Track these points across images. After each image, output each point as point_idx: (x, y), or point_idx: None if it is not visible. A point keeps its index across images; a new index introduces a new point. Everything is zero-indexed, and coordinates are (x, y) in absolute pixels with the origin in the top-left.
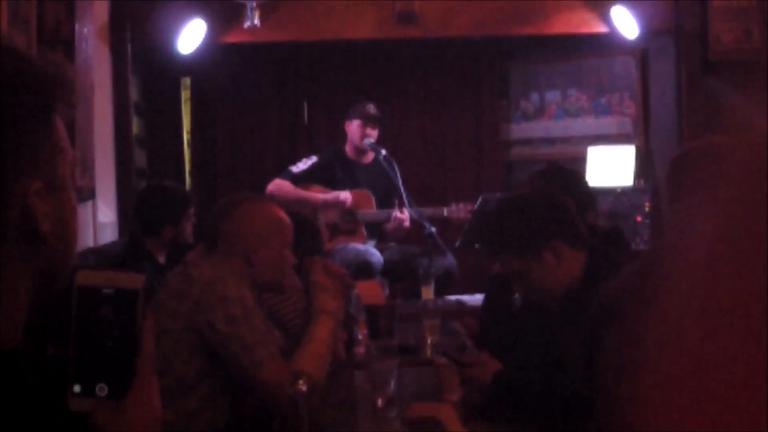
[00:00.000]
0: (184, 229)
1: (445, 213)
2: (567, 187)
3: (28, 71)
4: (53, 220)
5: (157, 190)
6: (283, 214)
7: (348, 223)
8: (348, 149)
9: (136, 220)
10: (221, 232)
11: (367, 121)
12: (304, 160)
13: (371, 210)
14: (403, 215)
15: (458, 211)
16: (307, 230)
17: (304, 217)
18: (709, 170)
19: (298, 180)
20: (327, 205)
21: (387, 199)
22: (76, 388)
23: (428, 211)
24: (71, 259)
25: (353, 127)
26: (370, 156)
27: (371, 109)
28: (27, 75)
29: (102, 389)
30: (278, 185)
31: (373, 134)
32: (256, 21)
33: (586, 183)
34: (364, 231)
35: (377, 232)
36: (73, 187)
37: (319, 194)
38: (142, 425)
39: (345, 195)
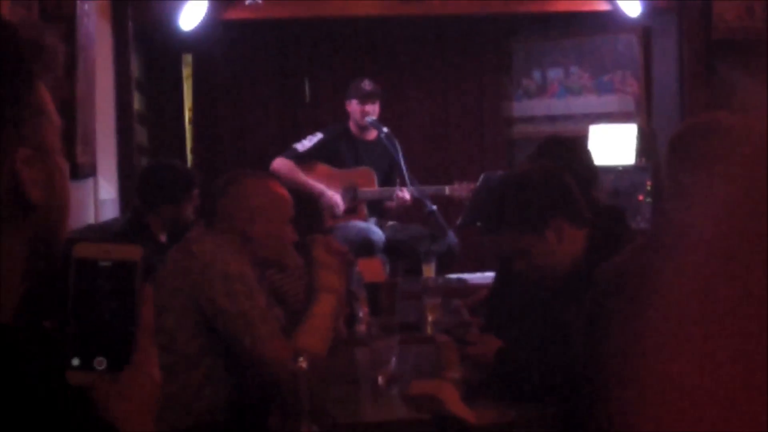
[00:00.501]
0: (184, 209)
1: (447, 192)
2: (569, 162)
3: (4, 36)
4: (43, 188)
5: (161, 168)
6: (282, 190)
7: (349, 201)
8: (351, 126)
9: (138, 195)
10: (220, 208)
11: (365, 98)
12: (309, 137)
13: (373, 188)
14: (405, 194)
15: (460, 189)
16: (307, 207)
17: (298, 194)
18: (713, 146)
19: (303, 158)
20: (323, 200)
21: (389, 176)
22: (75, 362)
23: (430, 189)
24: (64, 226)
25: (352, 106)
26: (373, 133)
27: (367, 85)
28: (3, 40)
29: (101, 362)
30: (281, 165)
31: (373, 110)
32: None
33: (589, 155)
34: (365, 209)
35: (378, 209)
36: (62, 153)
37: (317, 189)
38: (141, 397)
39: (337, 204)
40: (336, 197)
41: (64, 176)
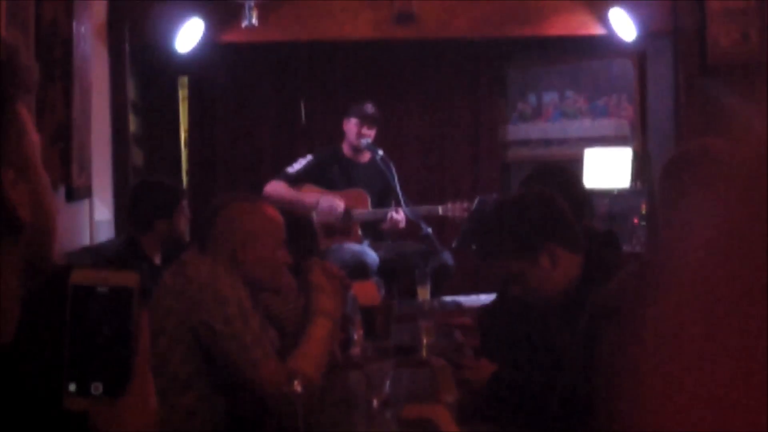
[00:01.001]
0: (177, 223)
1: (440, 212)
2: (561, 189)
3: None
4: (30, 207)
5: (148, 185)
6: (274, 213)
7: (343, 222)
8: (345, 148)
9: (129, 217)
10: (212, 232)
11: (364, 120)
12: (300, 160)
13: (366, 210)
14: (399, 216)
15: (453, 209)
16: (303, 229)
17: (299, 216)
18: (705, 173)
19: (294, 180)
20: (320, 211)
21: (383, 198)
22: (72, 387)
23: (423, 209)
24: (54, 241)
25: (350, 125)
26: (366, 155)
27: (369, 108)
28: None
29: (97, 388)
30: (273, 187)
31: (369, 134)
32: (254, 20)
33: (581, 184)
34: (359, 231)
35: (372, 231)
36: (44, 169)
37: (312, 198)
38: (138, 423)
39: (337, 203)
40: (334, 200)
41: (48, 192)
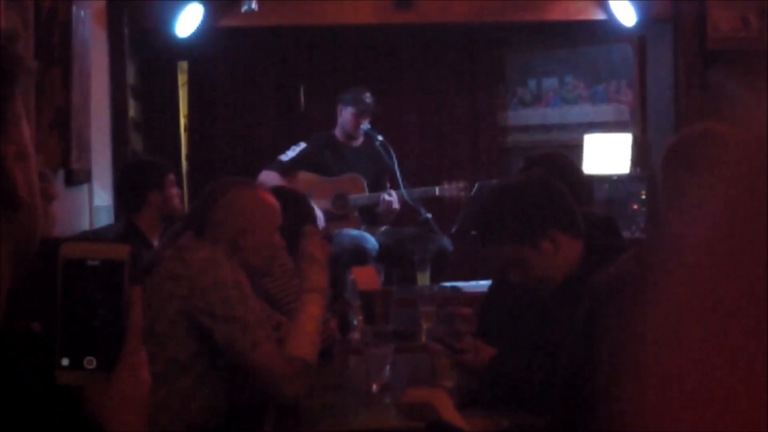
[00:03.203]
0: (169, 196)
1: (437, 192)
2: (562, 176)
3: None
4: (26, 187)
5: (132, 164)
6: (270, 199)
7: (340, 208)
8: (338, 133)
9: (122, 198)
10: (208, 219)
11: (362, 112)
12: (293, 147)
13: (362, 194)
14: (391, 197)
15: (451, 189)
16: (294, 203)
17: (286, 190)
18: (707, 157)
19: (287, 168)
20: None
21: (379, 182)
22: (64, 362)
23: (420, 191)
24: (40, 226)
25: (347, 114)
26: (360, 139)
27: (367, 98)
28: None
29: (90, 362)
30: (266, 179)
31: (365, 123)
32: (254, 5)
33: (581, 171)
34: (357, 216)
35: (369, 215)
36: (35, 156)
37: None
38: (131, 396)
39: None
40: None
41: (36, 178)
